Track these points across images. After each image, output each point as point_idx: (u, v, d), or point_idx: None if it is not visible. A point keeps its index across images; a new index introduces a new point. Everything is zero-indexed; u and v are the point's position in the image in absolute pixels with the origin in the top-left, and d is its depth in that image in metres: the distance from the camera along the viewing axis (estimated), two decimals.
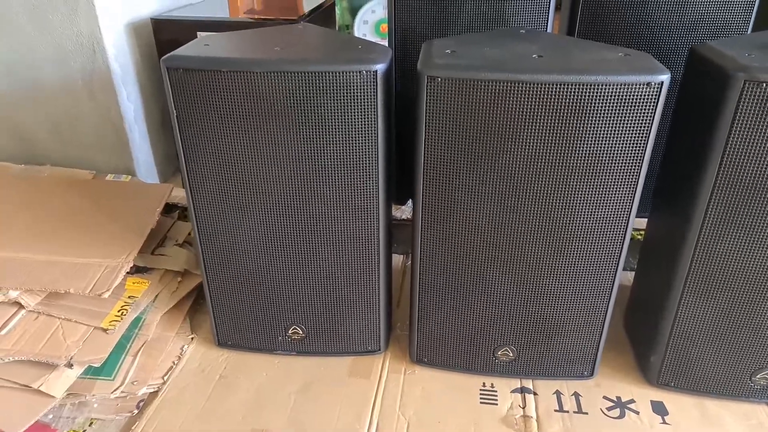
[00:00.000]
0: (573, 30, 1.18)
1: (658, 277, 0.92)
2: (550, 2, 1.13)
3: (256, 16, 1.44)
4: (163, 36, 1.42)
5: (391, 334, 1.09)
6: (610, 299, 0.90)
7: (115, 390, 0.96)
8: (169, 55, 0.81)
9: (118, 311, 1.04)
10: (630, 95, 0.72)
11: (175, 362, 1.03)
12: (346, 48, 0.90)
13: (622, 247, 0.85)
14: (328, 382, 0.99)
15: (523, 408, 0.94)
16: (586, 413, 0.93)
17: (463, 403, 0.95)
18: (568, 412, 0.94)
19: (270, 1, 1.65)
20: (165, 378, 1.00)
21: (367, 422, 0.91)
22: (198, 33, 1.30)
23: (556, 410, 0.94)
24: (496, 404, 0.95)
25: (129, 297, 1.08)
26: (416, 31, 1.18)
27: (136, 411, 0.94)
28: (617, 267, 0.87)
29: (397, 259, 1.32)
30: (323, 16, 1.66)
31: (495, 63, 0.76)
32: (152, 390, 0.97)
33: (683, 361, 0.93)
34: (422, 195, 0.84)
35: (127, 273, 1.08)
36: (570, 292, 0.89)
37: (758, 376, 0.91)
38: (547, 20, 1.14)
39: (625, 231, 0.83)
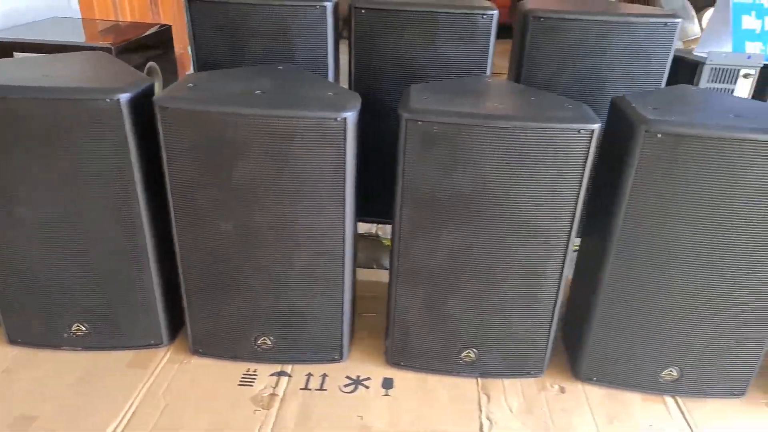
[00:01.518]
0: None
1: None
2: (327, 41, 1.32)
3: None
4: None
5: (182, 329, 1.23)
6: (343, 291, 1.09)
7: None
8: None
9: None
10: (321, 129, 0.92)
11: None
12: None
13: (344, 246, 1.04)
14: (106, 374, 1.11)
15: (274, 388, 1.11)
16: (326, 390, 1.11)
17: (223, 385, 1.10)
18: (310, 390, 1.11)
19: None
20: None
21: (129, 404, 1.04)
22: (14, 53, 1.39)
23: (301, 389, 1.11)
24: (252, 386, 1.11)
25: None
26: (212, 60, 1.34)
27: None
28: (344, 263, 1.06)
29: None
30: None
31: (218, 97, 0.93)
32: None
33: (407, 344, 1.14)
34: (173, 210, 1.00)
35: None
36: (310, 285, 1.07)
37: (462, 355, 1.13)
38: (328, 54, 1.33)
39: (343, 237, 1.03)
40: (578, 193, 0.97)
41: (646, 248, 1.00)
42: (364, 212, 1.26)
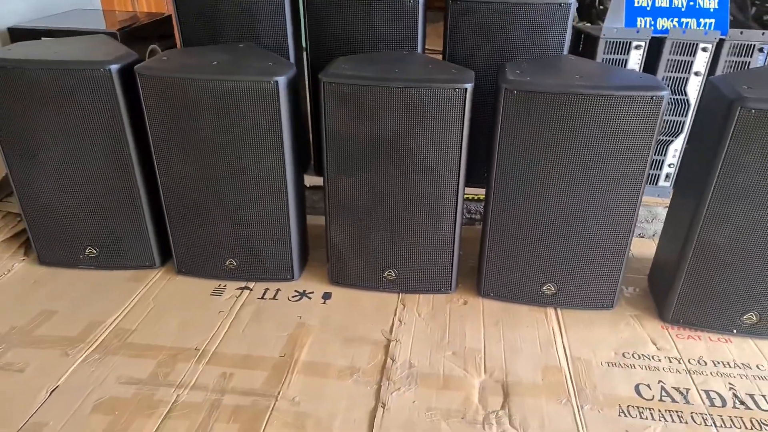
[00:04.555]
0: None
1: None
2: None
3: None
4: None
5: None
6: (289, 226, 1.38)
7: None
8: None
9: None
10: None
11: (4, 273, 1.46)
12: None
13: (286, 188, 1.33)
14: (111, 285, 1.45)
15: (238, 297, 1.42)
16: (277, 299, 1.42)
17: (198, 295, 1.43)
18: (266, 299, 1.42)
19: None
20: None
21: (126, 305, 1.37)
22: (42, 38, 1.72)
23: (258, 298, 1.42)
24: (221, 296, 1.42)
25: None
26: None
27: None
28: (287, 202, 1.35)
29: None
30: None
31: (181, 67, 1.23)
32: None
33: (342, 266, 1.43)
34: (155, 155, 1.31)
35: None
36: (261, 219, 1.37)
37: (385, 274, 1.41)
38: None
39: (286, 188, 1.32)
40: (461, 140, 1.24)
41: (520, 183, 1.26)
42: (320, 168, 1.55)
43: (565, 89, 1.15)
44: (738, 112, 1.08)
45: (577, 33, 1.74)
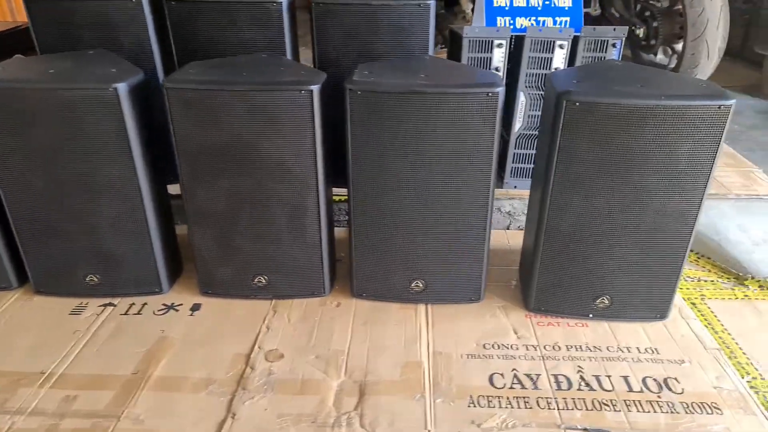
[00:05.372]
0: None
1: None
2: None
3: None
4: None
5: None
6: (150, 236, 1.34)
7: None
8: None
9: None
10: None
11: None
12: None
13: (141, 197, 1.28)
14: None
15: (99, 315, 1.36)
16: (142, 314, 1.37)
17: (55, 315, 1.35)
18: (129, 315, 1.36)
19: None
20: None
21: None
22: None
23: (121, 314, 1.36)
24: (80, 314, 1.36)
25: None
26: None
27: None
28: (145, 212, 1.30)
29: None
30: None
31: (17, 77, 1.17)
32: None
33: (210, 275, 1.39)
34: None
35: None
36: (118, 230, 1.32)
37: (255, 281, 1.39)
38: None
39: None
40: (314, 142, 1.24)
41: (376, 181, 1.26)
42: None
43: (405, 88, 1.16)
44: (564, 105, 1.13)
45: (450, 33, 1.78)
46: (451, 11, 3.00)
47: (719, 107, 1.09)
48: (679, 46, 2.62)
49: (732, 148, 2.09)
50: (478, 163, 1.23)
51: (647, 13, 2.75)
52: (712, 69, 2.59)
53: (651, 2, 2.64)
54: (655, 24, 2.67)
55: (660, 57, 2.98)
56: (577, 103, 1.11)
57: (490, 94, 1.15)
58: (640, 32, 2.77)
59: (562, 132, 1.15)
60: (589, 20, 3.02)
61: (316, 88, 1.19)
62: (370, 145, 1.23)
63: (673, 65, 2.68)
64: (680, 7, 2.47)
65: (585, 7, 3.12)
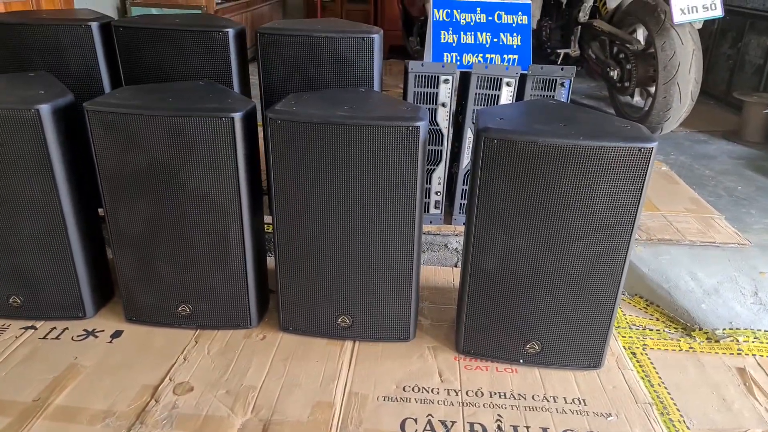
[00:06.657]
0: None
1: None
2: None
3: None
4: None
5: None
6: (73, 259, 1.31)
7: None
8: None
9: None
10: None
11: None
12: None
13: (64, 220, 1.26)
14: None
15: (17, 338, 1.32)
16: (60, 339, 1.33)
17: None
18: (47, 339, 1.33)
19: None
20: None
21: None
22: None
23: (40, 338, 1.33)
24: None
25: None
26: None
27: None
28: (68, 234, 1.28)
29: None
30: None
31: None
32: None
33: (134, 301, 1.36)
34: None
35: None
36: (38, 252, 1.30)
37: (179, 309, 1.35)
38: None
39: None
40: (237, 171, 1.22)
41: (299, 212, 1.23)
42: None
43: (323, 119, 1.14)
44: (483, 141, 1.10)
45: (405, 68, 1.78)
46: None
47: (639, 150, 1.06)
48: (653, 89, 2.60)
49: (698, 193, 2.04)
50: (402, 197, 1.20)
51: (622, 56, 2.75)
52: (686, 112, 2.56)
53: (626, 45, 2.64)
54: (629, 66, 2.67)
55: (637, 99, 2.96)
56: (495, 141, 1.09)
57: (410, 128, 1.13)
58: (614, 74, 2.77)
59: (481, 168, 1.12)
60: (571, 61, 3.03)
61: (238, 116, 1.18)
62: (291, 175, 1.20)
63: (647, 108, 2.67)
64: (654, 50, 2.47)
65: (564, 48, 3.18)
